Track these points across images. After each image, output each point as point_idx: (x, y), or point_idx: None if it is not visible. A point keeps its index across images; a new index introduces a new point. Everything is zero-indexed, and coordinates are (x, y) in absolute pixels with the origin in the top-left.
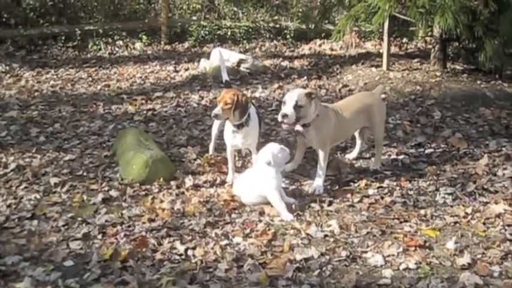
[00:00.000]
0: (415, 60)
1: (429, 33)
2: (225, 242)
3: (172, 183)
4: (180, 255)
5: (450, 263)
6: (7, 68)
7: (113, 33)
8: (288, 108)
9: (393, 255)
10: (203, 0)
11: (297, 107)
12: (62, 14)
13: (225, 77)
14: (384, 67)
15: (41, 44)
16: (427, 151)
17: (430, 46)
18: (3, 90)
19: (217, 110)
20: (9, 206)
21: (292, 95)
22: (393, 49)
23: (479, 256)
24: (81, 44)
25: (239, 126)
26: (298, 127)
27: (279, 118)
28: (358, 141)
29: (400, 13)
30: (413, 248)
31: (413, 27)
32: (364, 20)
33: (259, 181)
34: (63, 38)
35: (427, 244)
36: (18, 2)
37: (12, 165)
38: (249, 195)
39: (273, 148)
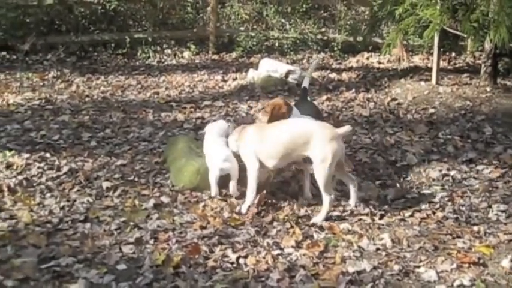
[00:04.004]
0: (465, 75)
1: (480, 48)
2: (277, 251)
3: (223, 190)
4: (232, 263)
5: (505, 281)
6: (58, 73)
7: (162, 42)
8: None
9: (447, 271)
10: (251, 11)
11: None
12: (112, 22)
13: (305, 83)
14: (433, 81)
15: (91, 50)
16: (479, 167)
17: (479, 61)
18: (55, 94)
19: (259, 115)
20: (62, 208)
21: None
22: (442, 63)
23: None
24: (130, 51)
25: None
26: None
27: None
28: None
29: (451, 27)
30: (467, 265)
31: (463, 42)
32: (413, 33)
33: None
34: (112, 45)
35: (481, 261)
36: (70, 9)
37: (65, 169)
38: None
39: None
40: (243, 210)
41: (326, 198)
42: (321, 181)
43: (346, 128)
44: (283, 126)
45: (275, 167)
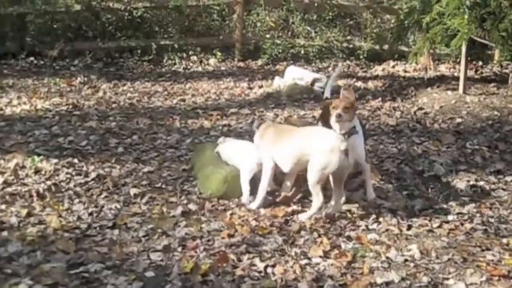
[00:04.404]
0: (492, 84)
1: (507, 58)
2: (305, 261)
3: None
4: (260, 272)
5: None
6: (85, 79)
7: (188, 49)
8: None
9: (476, 283)
10: (277, 18)
11: None
12: (138, 29)
13: (327, 93)
14: (460, 91)
15: (117, 56)
16: (507, 178)
17: (506, 70)
18: (83, 100)
19: (339, 111)
20: (90, 214)
21: None
22: (468, 72)
23: None
24: (156, 58)
25: (345, 135)
26: None
27: None
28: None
29: (479, 36)
30: (497, 278)
31: (490, 51)
32: (440, 42)
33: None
34: (139, 51)
35: (511, 274)
36: (97, 16)
37: (93, 174)
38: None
39: None
40: (253, 207)
41: (314, 199)
42: (309, 184)
43: (343, 145)
44: (295, 133)
45: (290, 171)
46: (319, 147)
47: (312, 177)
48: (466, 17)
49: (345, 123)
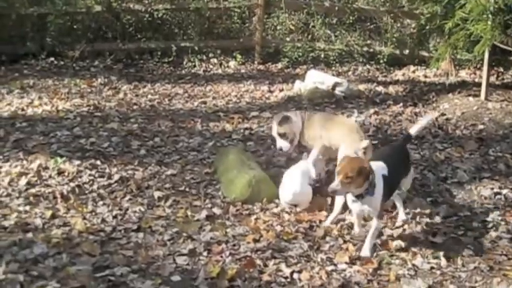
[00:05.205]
0: None
1: None
2: (331, 267)
3: (273, 205)
4: (286, 277)
5: None
6: (106, 80)
7: (207, 51)
8: None
9: None
10: (297, 22)
11: None
12: (158, 30)
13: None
14: (482, 97)
15: (137, 58)
16: None
17: None
18: (104, 102)
19: (335, 185)
20: (115, 217)
21: None
22: (490, 79)
23: None
24: (176, 60)
25: (359, 197)
26: None
27: None
28: None
29: (502, 42)
30: None
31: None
32: (462, 48)
33: None
34: (159, 53)
35: None
36: (118, 17)
37: (116, 177)
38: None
39: None
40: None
41: None
42: None
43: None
44: None
45: None
46: None
47: None
48: (489, 23)
49: (352, 190)
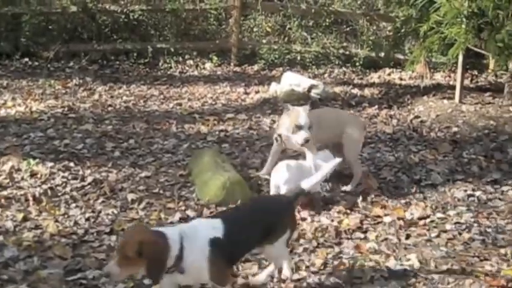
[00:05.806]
0: (487, 93)
1: (503, 68)
2: (304, 270)
3: None
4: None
5: None
6: (80, 81)
7: (184, 52)
8: None
9: None
10: (274, 24)
11: None
12: (134, 31)
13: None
14: (456, 99)
15: (113, 59)
16: (503, 188)
17: (501, 80)
18: (78, 103)
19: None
20: (87, 219)
21: None
22: (464, 82)
23: None
24: (152, 61)
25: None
26: None
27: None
28: None
29: (476, 46)
30: None
31: (485, 60)
32: (437, 51)
33: None
34: (135, 54)
35: (509, 285)
36: (93, 17)
37: (89, 179)
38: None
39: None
40: None
41: None
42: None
43: None
44: None
45: None
46: None
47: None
48: (463, 26)
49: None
